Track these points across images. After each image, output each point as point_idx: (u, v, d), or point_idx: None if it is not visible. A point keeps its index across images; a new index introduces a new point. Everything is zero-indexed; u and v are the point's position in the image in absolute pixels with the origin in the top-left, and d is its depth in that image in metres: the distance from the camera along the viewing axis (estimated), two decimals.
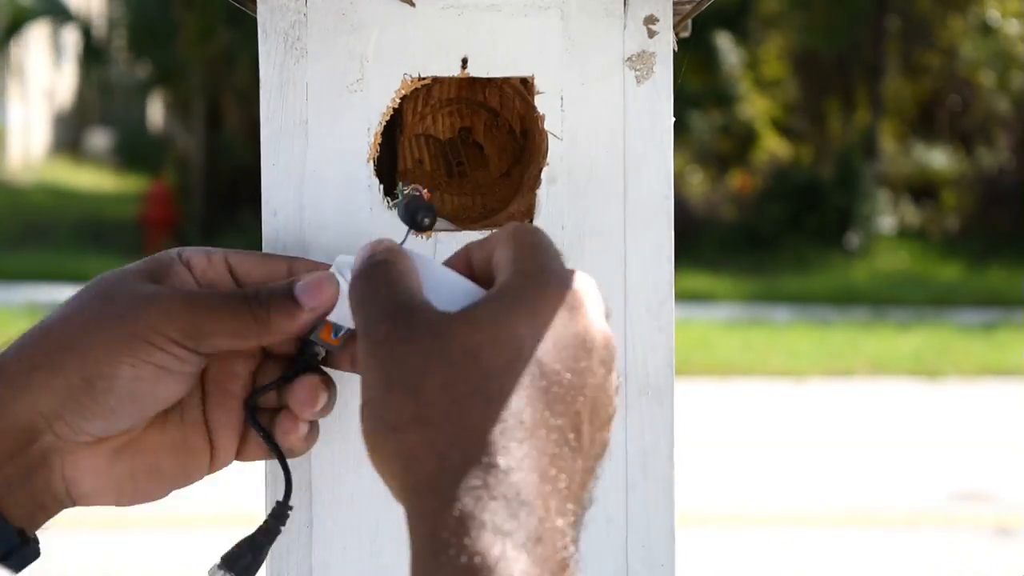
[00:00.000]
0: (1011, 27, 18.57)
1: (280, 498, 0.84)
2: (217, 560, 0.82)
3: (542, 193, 0.92)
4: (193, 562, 5.09)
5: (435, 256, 0.91)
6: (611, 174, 0.92)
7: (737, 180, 19.33)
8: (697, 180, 19.00)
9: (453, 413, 0.65)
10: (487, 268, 0.74)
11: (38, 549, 0.80)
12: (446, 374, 0.66)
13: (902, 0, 19.34)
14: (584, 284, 0.70)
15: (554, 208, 0.91)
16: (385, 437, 0.67)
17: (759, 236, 17.04)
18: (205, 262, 0.83)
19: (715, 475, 7.09)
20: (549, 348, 0.67)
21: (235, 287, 0.84)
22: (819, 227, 17.03)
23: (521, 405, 0.66)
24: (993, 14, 18.70)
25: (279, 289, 0.81)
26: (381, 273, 0.72)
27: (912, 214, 18.69)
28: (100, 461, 0.81)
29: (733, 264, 15.58)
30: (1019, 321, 12.09)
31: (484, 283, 0.74)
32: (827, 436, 8.10)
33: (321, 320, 0.81)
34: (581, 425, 0.67)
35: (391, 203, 0.91)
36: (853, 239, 17.10)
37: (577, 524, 0.66)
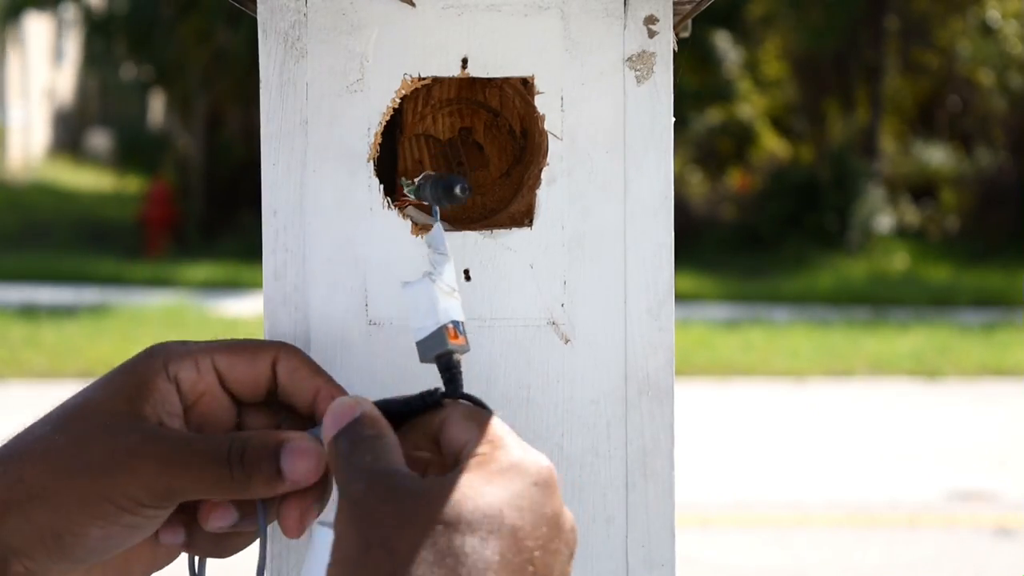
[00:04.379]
0: (1011, 27, 18.57)
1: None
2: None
3: (542, 193, 0.91)
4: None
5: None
6: (611, 174, 0.92)
7: (736, 180, 19.33)
8: (697, 180, 19.01)
9: (428, 573, 0.66)
10: (430, 444, 0.76)
11: None
12: (423, 534, 0.67)
13: (901, 0, 19.35)
14: (550, 467, 0.72)
15: (554, 208, 0.91)
16: None
17: (759, 236, 17.04)
18: (194, 375, 0.81)
19: (715, 475, 7.09)
20: (526, 523, 0.69)
21: (228, 403, 0.82)
22: (819, 227, 17.04)
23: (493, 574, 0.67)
24: (993, 14, 18.70)
25: (265, 454, 0.78)
26: (368, 445, 0.73)
27: (912, 214, 18.69)
28: (65, 569, 0.80)
29: (733, 264, 15.58)
30: (1019, 321, 12.09)
31: (430, 459, 0.76)
32: (827, 436, 8.11)
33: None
34: None
35: (404, 193, 0.91)
36: (853, 239, 17.10)
37: None
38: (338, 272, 0.90)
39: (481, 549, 0.67)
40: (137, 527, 0.78)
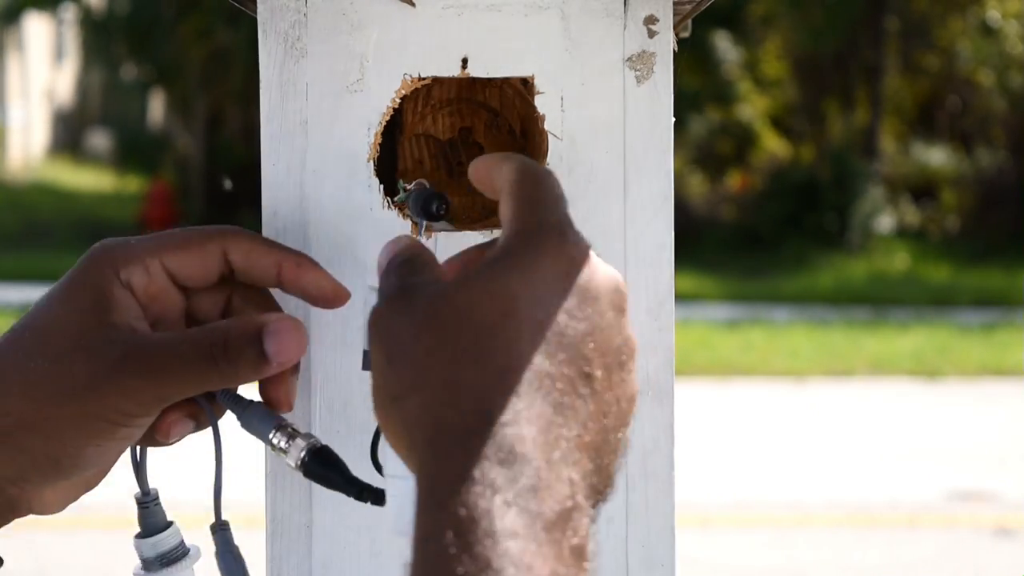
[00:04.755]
0: (1011, 27, 18.57)
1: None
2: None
3: None
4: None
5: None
6: (611, 174, 0.92)
7: (736, 180, 19.33)
8: (697, 180, 19.01)
9: (446, 375, 0.65)
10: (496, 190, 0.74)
11: None
12: (437, 338, 0.66)
13: (901, 0, 19.34)
14: (580, 242, 0.69)
15: None
16: (388, 410, 0.67)
17: (759, 236, 17.04)
18: (145, 279, 0.80)
19: (715, 475, 7.09)
20: (547, 300, 0.66)
21: (178, 297, 0.81)
22: (819, 227, 17.04)
23: (517, 359, 0.65)
24: (993, 14, 18.70)
25: (246, 340, 0.78)
26: (396, 269, 0.72)
27: (912, 214, 18.69)
28: (63, 489, 0.82)
29: (733, 264, 15.58)
30: (1019, 321, 12.08)
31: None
32: (827, 436, 8.10)
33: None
34: (593, 372, 0.67)
35: (395, 200, 0.91)
36: (853, 239, 17.10)
37: (595, 472, 0.65)
38: (338, 272, 0.90)
39: (498, 339, 0.65)
40: (130, 437, 0.79)
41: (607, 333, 0.68)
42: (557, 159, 0.91)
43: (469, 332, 0.66)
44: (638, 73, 0.91)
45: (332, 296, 0.84)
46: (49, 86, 29.01)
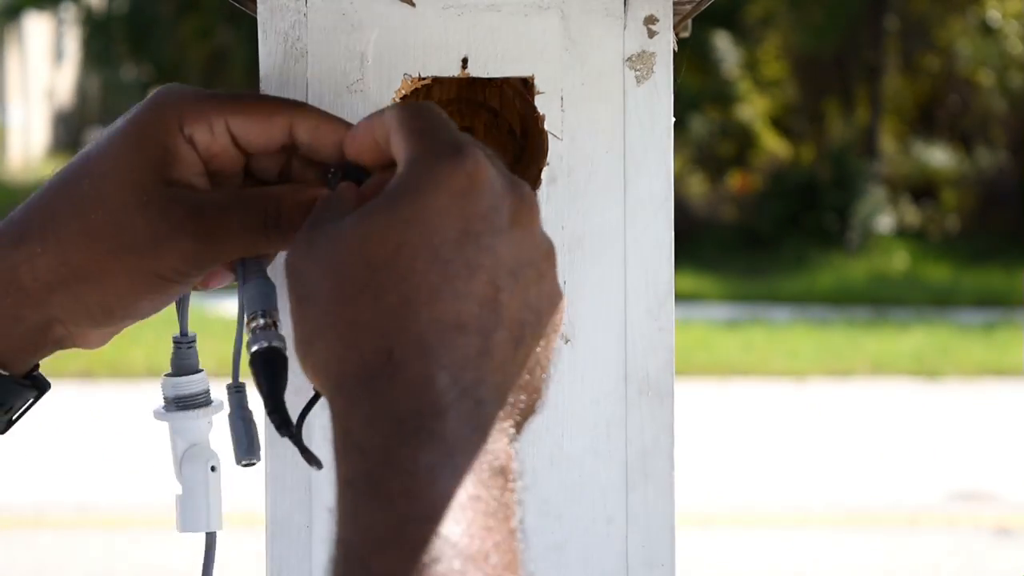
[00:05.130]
0: (1011, 27, 18.57)
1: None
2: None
3: (542, 193, 0.92)
4: (195, 562, 5.09)
5: None
6: (611, 174, 0.92)
7: (736, 180, 19.33)
8: (697, 180, 19.00)
9: (346, 314, 0.65)
10: (385, 150, 0.73)
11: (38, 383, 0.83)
12: (336, 278, 0.66)
13: (901, 0, 19.35)
14: (476, 160, 0.67)
15: (554, 208, 0.91)
16: (303, 353, 0.67)
17: (759, 236, 17.03)
18: (208, 137, 0.79)
19: (715, 475, 7.09)
20: (439, 225, 0.65)
21: (239, 157, 0.81)
22: (819, 227, 17.03)
23: (412, 291, 0.64)
24: (993, 14, 18.70)
25: (298, 212, 0.77)
26: (316, 210, 0.72)
27: (912, 214, 18.69)
28: (107, 331, 0.83)
29: (733, 264, 15.58)
30: (1019, 321, 12.08)
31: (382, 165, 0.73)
32: (827, 436, 8.10)
33: None
34: (498, 293, 0.65)
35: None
36: (853, 239, 17.10)
37: (520, 390, 0.65)
38: None
39: (395, 273, 0.64)
40: (181, 292, 0.81)
41: (513, 248, 0.67)
42: (557, 159, 0.91)
43: (364, 269, 0.65)
44: (638, 73, 0.91)
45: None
46: (49, 86, 29.01)
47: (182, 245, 0.77)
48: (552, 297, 0.69)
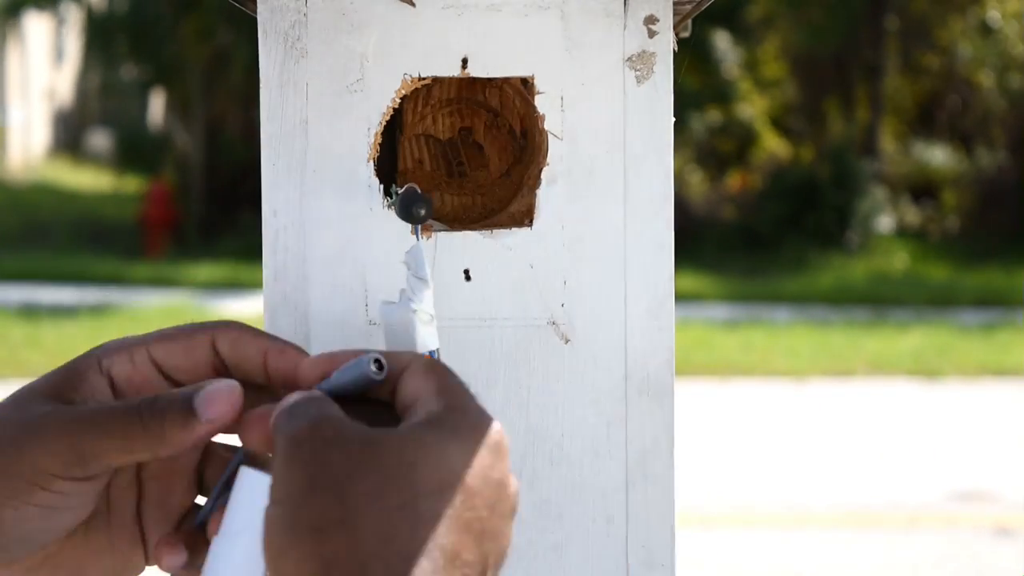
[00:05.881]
0: (1011, 27, 18.57)
1: None
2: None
3: (542, 193, 0.91)
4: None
5: (435, 257, 0.91)
6: (611, 174, 0.92)
7: (736, 180, 19.33)
8: (697, 180, 19.00)
9: (381, 525, 0.65)
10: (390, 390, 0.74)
11: None
12: (376, 483, 0.66)
13: (901, 0, 19.35)
14: (501, 430, 0.71)
15: (554, 208, 0.91)
16: (302, 539, 0.66)
17: (758, 236, 17.04)
18: (129, 368, 0.78)
19: (715, 475, 7.09)
20: (478, 484, 0.68)
21: (167, 387, 0.79)
22: (819, 227, 17.04)
23: (445, 533, 0.66)
24: (993, 14, 18.70)
25: (176, 399, 0.75)
26: (309, 399, 0.72)
27: (912, 214, 18.69)
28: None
29: (733, 264, 15.58)
30: (1019, 321, 12.08)
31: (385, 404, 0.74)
32: (827, 436, 8.10)
33: (218, 432, 0.76)
34: (487, 569, 0.68)
35: (388, 203, 0.91)
36: (853, 239, 17.10)
37: None
38: (338, 272, 0.90)
39: (435, 506, 0.66)
40: (53, 507, 0.75)
41: (503, 537, 0.71)
42: (557, 159, 0.91)
43: (409, 490, 0.66)
44: (638, 73, 0.91)
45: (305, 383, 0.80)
46: (49, 86, 29.02)
47: (45, 438, 0.73)
48: (504, 545, 0.72)
